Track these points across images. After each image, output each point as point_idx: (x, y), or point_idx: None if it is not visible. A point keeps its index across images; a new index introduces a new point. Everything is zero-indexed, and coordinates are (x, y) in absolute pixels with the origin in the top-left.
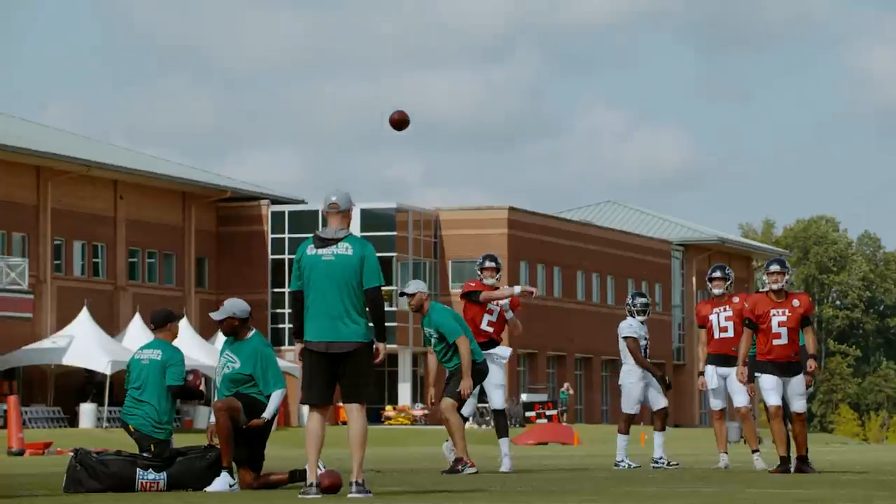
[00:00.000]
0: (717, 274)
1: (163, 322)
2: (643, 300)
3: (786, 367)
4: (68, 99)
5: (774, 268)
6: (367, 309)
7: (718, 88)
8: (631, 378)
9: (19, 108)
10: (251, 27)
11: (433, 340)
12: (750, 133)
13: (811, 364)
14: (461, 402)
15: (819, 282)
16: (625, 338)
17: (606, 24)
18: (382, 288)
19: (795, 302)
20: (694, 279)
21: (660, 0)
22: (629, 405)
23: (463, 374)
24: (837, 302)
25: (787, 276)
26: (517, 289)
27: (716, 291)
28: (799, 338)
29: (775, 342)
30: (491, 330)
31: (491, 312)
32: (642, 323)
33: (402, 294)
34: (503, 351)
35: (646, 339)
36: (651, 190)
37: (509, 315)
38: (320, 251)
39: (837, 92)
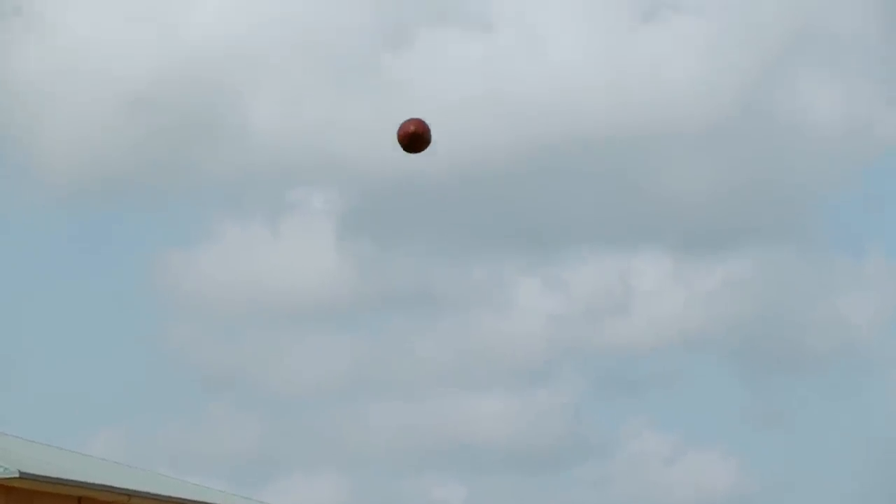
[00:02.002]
0: None
1: None
2: None
3: None
4: (111, 428)
5: None
6: None
7: (765, 413)
8: None
9: (62, 439)
10: (293, 353)
11: None
12: (798, 458)
13: None
14: None
15: None
16: None
17: (650, 346)
18: None
19: None
20: None
21: (703, 322)
22: None
23: None
24: None
25: None
26: None
27: None
28: None
29: None
30: None
31: None
32: None
33: None
34: None
35: None
36: None
37: None
38: None
39: (886, 418)
